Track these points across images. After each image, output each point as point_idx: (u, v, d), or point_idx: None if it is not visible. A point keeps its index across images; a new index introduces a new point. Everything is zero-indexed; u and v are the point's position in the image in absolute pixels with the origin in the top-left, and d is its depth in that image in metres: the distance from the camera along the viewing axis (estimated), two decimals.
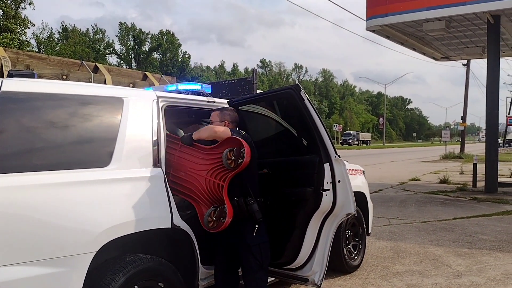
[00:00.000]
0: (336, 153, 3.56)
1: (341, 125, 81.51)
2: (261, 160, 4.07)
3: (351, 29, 79.58)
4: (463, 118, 33.74)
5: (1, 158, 2.57)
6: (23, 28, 43.96)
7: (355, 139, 76.31)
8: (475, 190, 13.43)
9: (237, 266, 3.71)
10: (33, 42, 53.26)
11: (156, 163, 3.35)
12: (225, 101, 4.21)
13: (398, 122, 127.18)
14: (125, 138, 3.19)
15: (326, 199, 3.56)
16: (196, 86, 4.21)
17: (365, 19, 13.94)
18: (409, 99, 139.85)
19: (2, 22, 43.35)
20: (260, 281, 3.61)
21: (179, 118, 4.60)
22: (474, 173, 14.12)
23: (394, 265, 5.77)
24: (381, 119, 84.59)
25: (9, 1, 43.74)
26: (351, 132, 79.09)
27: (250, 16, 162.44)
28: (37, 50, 52.34)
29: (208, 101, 4.11)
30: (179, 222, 3.35)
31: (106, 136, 3.15)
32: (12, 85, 2.78)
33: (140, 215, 3.07)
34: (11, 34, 40.56)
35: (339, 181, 3.54)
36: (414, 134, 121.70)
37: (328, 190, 3.55)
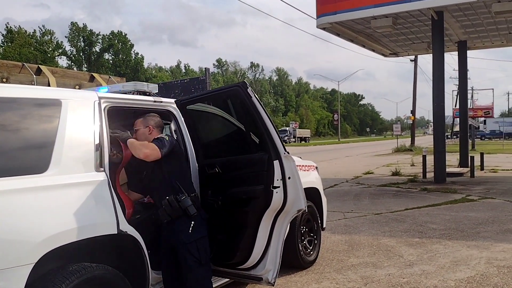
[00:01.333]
0: (285, 150, 3.54)
1: (298, 122, 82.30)
2: (212, 160, 4.02)
3: (302, 28, 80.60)
4: (413, 112, 34.97)
5: None
6: None
7: (291, 136, 68.85)
8: (425, 181, 13.91)
9: None
10: None
11: (99, 167, 3.20)
12: (172, 100, 4.10)
13: (352, 117, 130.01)
14: (64, 141, 3.03)
15: (277, 196, 3.54)
16: (142, 88, 4.07)
17: (315, 18, 14.12)
18: (362, 95, 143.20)
19: None
20: (202, 278, 3.57)
21: (126, 120, 4.45)
22: (424, 165, 14.63)
23: (349, 258, 5.85)
24: (335, 115, 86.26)
25: None
26: (287, 128, 71.73)
27: (201, 16, 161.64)
28: None
29: (155, 101, 3.99)
30: (125, 227, 3.22)
31: (43, 140, 2.98)
32: None
33: (82, 222, 2.92)
34: None
35: (289, 178, 3.52)
36: (368, 129, 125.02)
37: (279, 187, 3.53)
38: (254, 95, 3.47)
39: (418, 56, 32.84)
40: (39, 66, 7.03)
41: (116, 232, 3.15)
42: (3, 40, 61.03)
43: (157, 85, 4.36)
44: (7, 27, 62.29)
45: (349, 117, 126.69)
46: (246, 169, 3.72)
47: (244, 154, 3.87)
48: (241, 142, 4.03)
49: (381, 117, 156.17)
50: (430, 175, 14.27)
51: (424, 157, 14.83)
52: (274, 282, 3.68)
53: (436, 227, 7.43)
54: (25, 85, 3.49)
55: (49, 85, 6.34)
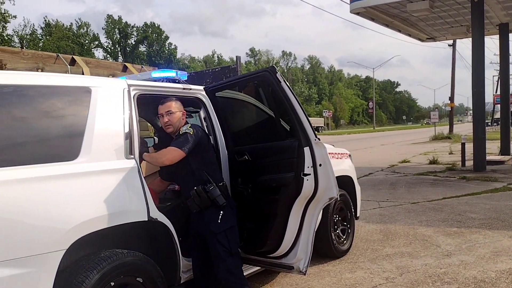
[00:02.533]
0: (316, 136, 3.44)
1: (331, 111, 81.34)
2: (241, 147, 3.96)
3: (331, 16, 78.98)
4: (451, 98, 33.83)
5: None
6: (3, 23, 43.25)
7: None
8: (464, 169, 13.45)
9: None
10: (15, 38, 52.46)
11: (129, 154, 3.21)
12: (201, 87, 4.06)
13: (388, 105, 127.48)
14: (94, 129, 3.05)
15: (308, 184, 3.45)
16: (171, 73, 4.05)
17: (348, 2, 13.80)
18: (397, 82, 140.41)
19: None
20: (232, 267, 3.54)
21: (156, 108, 4.45)
22: (463, 153, 14.13)
23: (383, 248, 5.71)
24: (370, 103, 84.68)
25: None
26: None
27: (230, 6, 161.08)
28: (19, 46, 51.50)
29: (184, 88, 3.96)
30: (156, 214, 3.23)
31: (73, 128, 3.00)
32: None
33: (113, 209, 2.94)
34: None
35: (320, 165, 3.42)
36: (404, 117, 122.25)
37: (309, 174, 3.44)
38: (284, 80, 3.38)
39: (457, 40, 31.71)
40: (73, 57, 7.14)
41: (147, 219, 3.15)
42: (42, 34, 62.95)
43: (186, 73, 4.32)
44: (45, 20, 64.24)
45: (384, 105, 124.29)
46: (276, 156, 3.64)
47: (274, 141, 3.79)
48: (270, 128, 3.95)
49: (418, 104, 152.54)
50: (469, 163, 13.77)
51: (463, 144, 14.31)
52: (306, 271, 3.61)
53: (476, 217, 7.15)
54: (55, 73, 3.53)
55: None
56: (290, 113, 3.46)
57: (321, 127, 72.38)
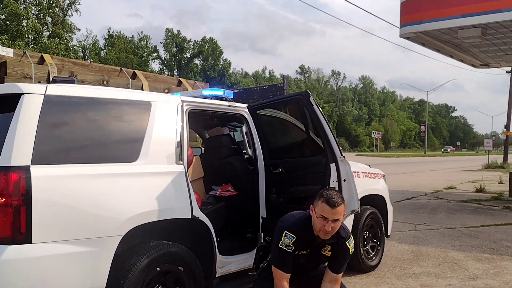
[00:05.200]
0: (342, 155, 3.84)
1: (381, 132, 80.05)
2: (276, 160, 4.42)
3: (381, 39, 78.14)
4: (507, 126, 32.66)
5: (47, 152, 3.02)
6: (70, 34, 46.37)
7: None
8: (510, 199, 13.16)
9: None
10: (79, 49, 55.92)
11: (178, 160, 3.74)
12: (245, 105, 4.57)
13: (442, 130, 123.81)
14: (152, 137, 3.60)
15: None
16: (219, 92, 4.60)
17: (399, 27, 13.99)
18: (454, 107, 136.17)
19: (51, 29, 45.95)
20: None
21: (205, 121, 5.01)
22: (511, 182, 13.82)
23: (412, 267, 5.93)
24: (422, 127, 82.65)
25: (57, 9, 46.29)
26: None
27: (280, 25, 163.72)
28: (82, 56, 54.88)
29: (229, 106, 4.49)
30: (198, 213, 3.72)
31: (135, 135, 3.57)
32: (55, 89, 3.24)
33: (162, 205, 3.46)
34: (59, 39, 42.88)
35: (344, 180, 3.82)
36: (458, 143, 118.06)
37: (334, 188, 3.83)
38: (316, 103, 3.82)
39: None
40: (135, 71, 7.91)
41: (190, 217, 3.65)
42: (104, 44, 66.68)
43: (232, 91, 4.85)
44: (108, 32, 68.02)
45: (438, 130, 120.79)
46: (306, 170, 4.07)
47: (305, 156, 4.22)
48: (302, 145, 4.39)
49: (474, 130, 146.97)
50: None
51: (511, 174, 14.00)
52: None
53: (511, 245, 7.17)
54: (122, 89, 4.12)
55: (142, 88, 7.17)
56: (320, 133, 3.89)
57: None
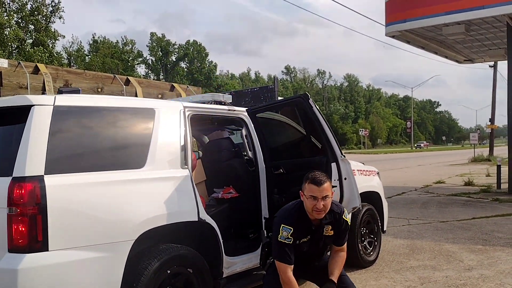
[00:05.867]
0: (342, 154, 3.98)
1: (368, 130, 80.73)
2: (277, 162, 4.54)
3: (363, 37, 78.75)
4: (491, 120, 33.27)
5: (59, 161, 3.09)
6: (53, 40, 45.98)
7: None
8: (499, 191, 13.47)
9: None
10: (63, 54, 55.50)
11: (183, 164, 3.84)
12: (244, 109, 4.68)
13: (427, 125, 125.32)
14: (157, 143, 3.69)
15: (334, 195, 3.97)
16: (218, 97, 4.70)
17: (384, 24, 14.23)
18: (438, 102, 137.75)
19: (34, 36, 45.57)
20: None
21: (205, 125, 5.10)
22: (498, 175, 14.16)
23: (408, 261, 6.09)
24: (408, 123, 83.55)
25: (40, 16, 45.92)
26: None
27: (263, 27, 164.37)
28: (67, 62, 54.45)
29: (229, 110, 4.60)
30: (204, 216, 3.82)
31: (142, 142, 3.65)
32: (63, 100, 3.31)
33: (170, 209, 3.55)
34: (43, 47, 42.53)
35: (345, 179, 3.95)
36: (444, 138, 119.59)
37: (336, 186, 3.96)
38: (315, 105, 3.95)
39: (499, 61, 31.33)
40: (128, 77, 7.97)
41: (197, 220, 3.75)
42: (89, 50, 66.21)
43: (230, 96, 4.98)
44: (93, 37, 67.59)
45: (423, 125, 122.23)
46: (307, 170, 4.18)
47: (305, 157, 4.35)
48: (303, 146, 4.52)
49: (459, 125, 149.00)
50: (505, 185, 13.76)
51: (498, 166, 14.34)
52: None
53: (502, 236, 7.39)
54: (126, 97, 4.20)
55: (136, 94, 7.24)
56: (320, 134, 4.02)
57: None
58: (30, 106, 3.11)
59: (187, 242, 3.78)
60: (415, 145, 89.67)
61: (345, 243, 3.69)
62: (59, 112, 3.20)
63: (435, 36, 14.95)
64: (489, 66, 33.75)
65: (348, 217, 3.61)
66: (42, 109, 3.12)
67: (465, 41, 15.72)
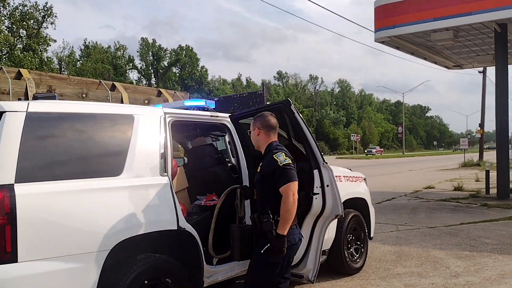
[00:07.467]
0: (324, 160, 3.92)
1: (359, 135, 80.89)
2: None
3: (352, 44, 79.26)
4: (481, 125, 33.49)
5: (31, 169, 3.00)
6: (44, 46, 45.68)
7: None
8: (487, 196, 13.52)
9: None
10: (54, 60, 55.18)
11: (163, 172, 3.76)
12: (227, 115, 4.62)
13: (419, 130, 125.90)
14: (135, 150, 3.61)
15: (316, 202, 3.92)
16: (201, 103, 4.63)
17: (373, 30, 14.28)
18: (428, 107, 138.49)
19: (25, 42, 45.25)
20: None
21: (187, 132, 5.03)
22: (487, 180, 14.20)
23: (395, 267, 6.04)
24: (399, 128, 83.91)
25: (31, 21, 45.63)
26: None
27: (252, 33, 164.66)
28: (58, 67, 54.11)
29: (211, 116, 4.53)
30: (184, 224, 3.74)
31: (119, 149, 3.57)
32: (37, 106, 3.23)
33: (148, 218, 3.47)
34: (33, 53, 42.24)
35: (327, 186, 3.90)
36: (435, 143, 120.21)
37: (318, 194, 3.91)
38: (297, 112, 3.90)
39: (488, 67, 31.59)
40: (114, 83, 7.86)
41: (176, 228, 3.67)
42: (80, 55, 65.85)
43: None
44: (84, 42, 67.26)
45: (414, 130, 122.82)
46: None
47: None
48: None
49: (449, 130, 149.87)
50: (493, 191, 13.82)
51: (487, 172, 14.38)
52: (314, 280, 4.05)
53: (489, 242, 7.38)
54: (104, 103, 4.12)
55: (122, 100, 7.14)
56: (302, 140, 3.96)
57: None
58: (2, 112, 3.03)
59: (166, 251, 3.70)
60: (365, 151, 79.27)
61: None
62: (32, 119, 3.11)
63: (424, 42, 15.02)
64: (478, 72, 33.98)
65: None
66: (14, 115, 3.04)
67: (453, 47, 15.81)
